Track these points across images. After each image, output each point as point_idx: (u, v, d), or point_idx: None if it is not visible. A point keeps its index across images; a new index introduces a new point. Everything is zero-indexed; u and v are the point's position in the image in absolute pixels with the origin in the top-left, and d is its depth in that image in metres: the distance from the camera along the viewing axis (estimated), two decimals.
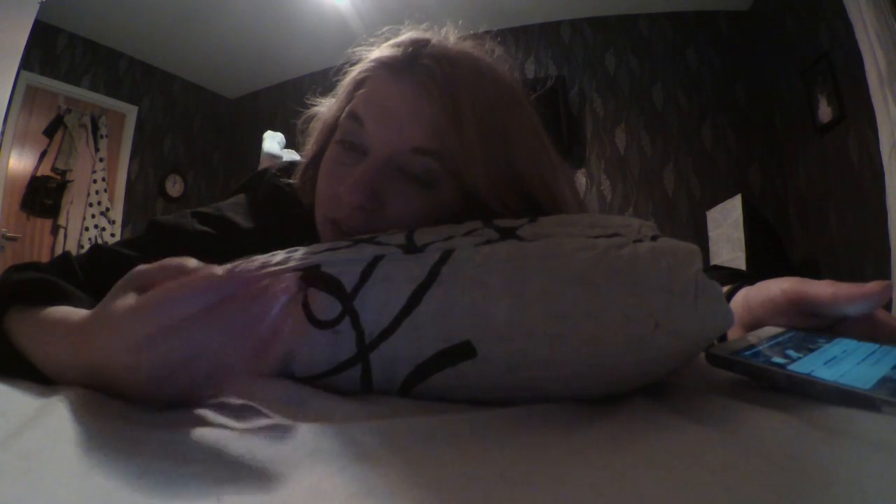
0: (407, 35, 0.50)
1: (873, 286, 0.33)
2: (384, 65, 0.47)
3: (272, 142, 2.63)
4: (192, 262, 0.30)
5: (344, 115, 0.48)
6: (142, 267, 0.30)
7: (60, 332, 0.34)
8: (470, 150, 0.44)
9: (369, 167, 0.44)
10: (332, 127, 0.52)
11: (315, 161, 0.54)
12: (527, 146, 0.49)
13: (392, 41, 0.50)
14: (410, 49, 0.47)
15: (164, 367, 0.27)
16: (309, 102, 0.59)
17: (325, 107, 0.56)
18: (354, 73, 0.51)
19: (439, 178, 0.45)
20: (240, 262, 0.41)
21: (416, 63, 0.46)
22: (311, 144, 0.55)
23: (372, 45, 0.52)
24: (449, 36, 0.51)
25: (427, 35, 0.49)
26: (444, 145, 0.44)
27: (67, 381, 0.33)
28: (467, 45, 0.49)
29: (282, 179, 0.58)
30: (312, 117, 0.58)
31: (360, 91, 0.48)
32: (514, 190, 0.46)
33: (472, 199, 0.46)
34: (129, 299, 0.28)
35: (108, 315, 0.29)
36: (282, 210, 0.56)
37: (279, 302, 0.27)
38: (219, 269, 0.27)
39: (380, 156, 0.44)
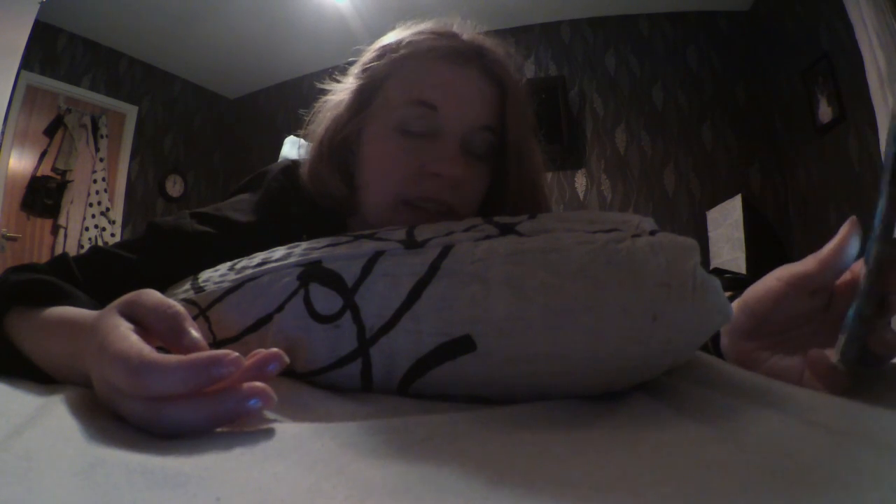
0: (439, 26, 0.54)
1: (842, 230, 0.34)
2: (440, 50, 0.51)
3: (293, 147, 2.61)
4: (183, 319, 0.28)
5: (405, 101, 0.50)
6: (142, 300, 0.29)
7: (63, 333, 0.34)
8: (520, 137, 0.53)
9: (456, 142, 0.50)
10: (360, 112, 0.53)
11: (337, 148, 0.54)
12: (535, 137, 0.57)
13: (429, 30, 0.53)
14: (462, 39, 0.52)
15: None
16: (323, 87, 0.59)
17: (342, 94, 0.56)
18: (390, 58, 0.52)
19: (492, 154, 0.53)
20: (242, 260, 0.41)
21: (476, 51, 0.52)
22: (329, 132, 0.55)
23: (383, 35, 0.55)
24: (458, 27, 0.54)
25: (464, 27, 0.54)
26: (498, 124, 0.52)
27: (70, 380, 0.33)
28: (494, 44, 0.55)
29: (285, 179, 0.58)
30: (326, 109, 0.58)
31: (413, 76, 0.51)
32: (528, 175, 0.55)
33: (506, 179, 0.54)
34: (119, 332, 0.27)
35: (100, 342, 0.27)
36: (285, 208, 0.56)
37: (246, 407, 0.25)
38: (202, 357, 0.24)
39: (458, 134, 0.50)
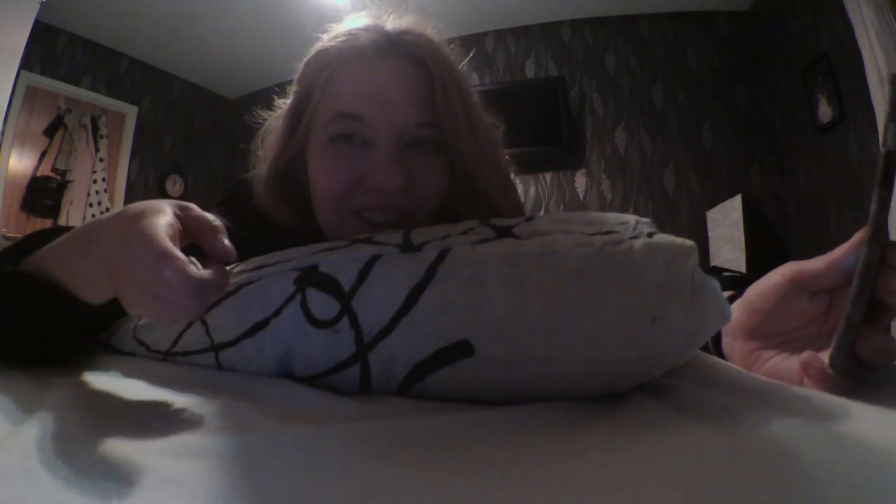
0: (362, 23, 0.51)
1: (856, 236, 0.34)
2: (358, 52, 0.48)
3: None
4: (222, 231, 0.34)
5: (330, 116, 0.48)
6: (193, 207, 0.34)
7: (78, 233, 0.36)
8: (457, 120, 0.48)
9: (389, 149, 0.47)
10: (296, 133, 0.51)
11: (281, 173, 0.53)
12: (482, 119, 0.54)
13: (345, 31, 0.50)
14: (379, 32, 0.49)
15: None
16: (258, 117, 0.58)
17: (280, 117, 0.55)
18: (315, 71, 0.50)
19: (438, 143, 0.49)
20: (239, 264, 0.41)
21: (394, 40, 0.48)
22: (272, 158, 0.54)
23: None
24: (386, 19, 0.52)
25: (374, 20, 0.51)
26: (437, 117, 0.48)
27: (90, 287, 0.34)
28: (418, 24, 0.51)
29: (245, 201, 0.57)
30: (267, 135, 0.57)
31: (337, 87, 0.48)
32: (485, 154, 0.51)
33: (459, 168, 0.50)
34: (164, 219, 0.31)
35: (141, 211, 0.31)
36: (263, 226, 0.55)
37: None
38: (211, 282, 0.29)
39: (390, 139, 0.47)
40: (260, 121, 0.59)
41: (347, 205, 0.48)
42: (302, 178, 0.53)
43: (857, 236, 0.33)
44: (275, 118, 0.56)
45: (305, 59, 0.53)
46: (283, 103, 0.56)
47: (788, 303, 0.36)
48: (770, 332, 0.38)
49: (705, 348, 0.47)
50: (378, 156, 0.46)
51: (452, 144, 0.49)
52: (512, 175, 0.58)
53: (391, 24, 0.50)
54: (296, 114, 0.52)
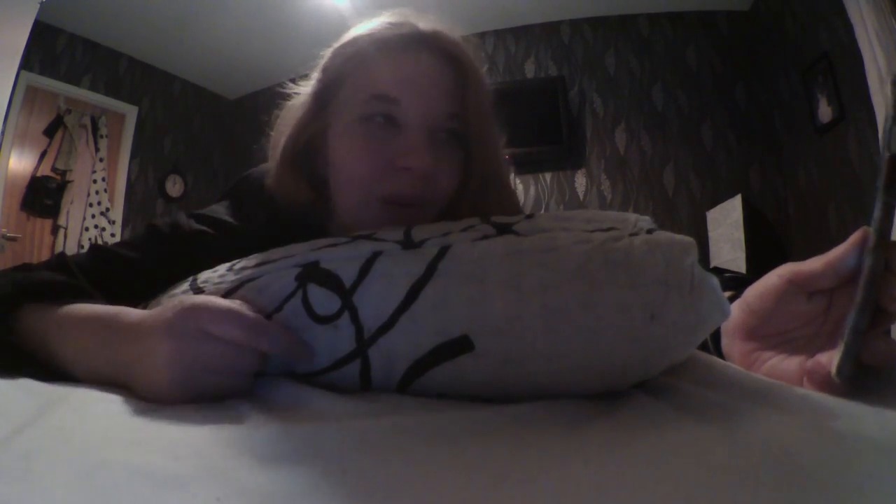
0: (396, 17, 0.52)
1: (853, 237, 0.33)
2: (395, 40, 0.50)
3: None
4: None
5: (366, 97, 0.49)
6: (214, 308, 0.33)
7: (101, 327, 0.36)
8: (481, 119, 0.51)
9: (420, 135, 0.48)
10: (323, 113, 0.52)
11: (300, 152, 0.53)
12: (493, 118, 0.56)
13: (380, 23, 0.51)
14: (414, 27, 0.50)
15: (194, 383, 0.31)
16: (288, 91, 0.58)
17: (302, 97, 0.55)
18: (348, 55, 0.51)
19: (458, 142, 0.51)
20: (241, 260, 0.41)
21: (433, 39, 0.51)
22: (290, 136, 0.54)
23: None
24: (415, 20, 0.53)
25: (418, 15, 0.52)
26: (465, 112, 0.50)
27: (93, 374, 0.35)
28: (447, 28, 0.53)
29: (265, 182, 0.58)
30: (285, 119, 0.56)
31: (372, 72, 0.49)
32: (492, 163, 0.54)
33: (474, 166, 0.52)
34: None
35: (165, 329, 0.32)
36: (270, 212, 0.55)
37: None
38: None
39: (422, 124, 0.49)
40: (280, 101, 0.59)
41: (373, 189, 0.49)
42: (319, 161, 0.53)
43: (855, 236, 0.33)
44: (291, 103, 0.56)
45: (335, 47, 0.53)
46: (296, 93, 0.56)
47: (787, 304, 0.36)
48: (769, 332, 0.38)
49: (705, 348, 0.47)
50: (410, 137, 0.48)
51: (474, 141, 0.51)
52: (512, 177, 0.59)
53: (423, 24, 0.52)
54: (323, 95, 0.52)
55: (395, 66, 0.49)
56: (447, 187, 0.51)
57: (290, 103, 0.57)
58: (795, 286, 0.35)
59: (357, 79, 0.50)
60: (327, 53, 0.54)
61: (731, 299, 0.42)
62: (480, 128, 0.51)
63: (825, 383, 0.32)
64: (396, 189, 0.48)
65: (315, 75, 0.55)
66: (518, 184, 3.13)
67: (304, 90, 0.55)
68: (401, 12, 0.53)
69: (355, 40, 0.51)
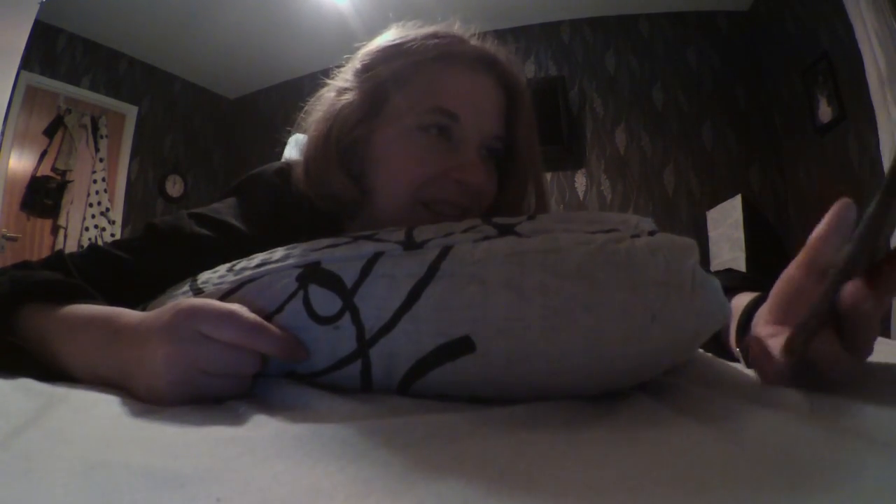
0: (447, 28, 0.54)
1: (833, 208, 0.32)
2: (456, 60, 0.52)
3: (297, 146, 2.59)
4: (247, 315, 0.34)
5: (428, 108, 0.50)
6: (211, 311, 0.33)
7: (100, 328, 0.36)
8: (529, 142, 0.55)
9: (475, 152, 0.52)
10: (377, 114, 0.52)
11: (346, 150, 0.53)
12: (538, 143, 0.59)
13: (440, 34, 0.53)
14: (477, 47, 0.53)
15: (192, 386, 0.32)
16: (326, 81, 0.57)
17: (348, 94, 0.54)
18: (411, 62, 0.51)
19: (500, 159, 0.55)
20: (241, 261, 0.41)
21: (494, 61, 0.53)
22: (338, 129, 0.53)
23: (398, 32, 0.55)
24: (473, 32, 0.56)
25: (468, 32, 0.55)
26: (512, 135, 0.54)
27: (91, 375, 0.35)
28: (502, 50, 0.56)
29: (281, 183, 0.58)
30: (322, 110, 0.56)
31: (437, 83, 0.51)
32: (535, 181, 0.58)
33: (514, 184, 0.56)
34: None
35: (163, 331, 0.32)
36: (281, 216, 0.55)
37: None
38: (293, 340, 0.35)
39: (477, 142, 0.52)
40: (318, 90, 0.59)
41: (422, 194, 0.50)
42: (357, 156, 0.53)
43: (834, 208, 0.32)
44: (327, 96, 0.56)
45: (385, 44, 0.54)
46: (348, 79, 0.55)
47: (806, 290, 0.34)
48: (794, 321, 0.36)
49: (711, 348, 0.47)
50: (469, 153, 0.51)
51: (522, 162, 0.55)
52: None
53: (474, 41, 0.54)
54: (377, 94, 0.52)
55: (457, 82, 0.51)
56: (488, 201, 0.54)
57: (324, 96, 0.56)
58: (806, 269, 0.34)
59: (419, 87, 0.51)
60: (370, 51, 0.55)
61: (759, 301, 0.41)
62: (528, 151, 0.55)
63: (771, 361, 0.31)
64: (444, 196, 0.50)
65: (356, 68, 0.54)
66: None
67: (343, 85, 0.55)
68: (446, 24, 0.55)
69: (410, 46, 0.52)
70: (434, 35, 0.53)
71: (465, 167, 0.50)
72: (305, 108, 0.59)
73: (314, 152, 0.54)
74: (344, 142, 0.53)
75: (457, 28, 0.55)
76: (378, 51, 0.54)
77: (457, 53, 0.52)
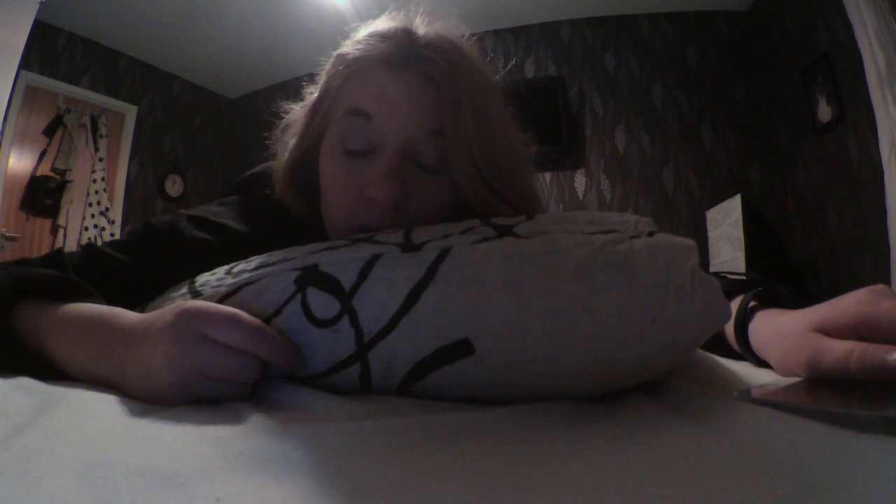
0: (389, 26, 0.50)
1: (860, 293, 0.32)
2: (378, 58, 0.48)
3: None
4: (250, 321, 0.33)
5: (343, 112, 0.48)
6: (214, 313, 0.32)
7: (97, 327, 0.35)
8: (467, 135, 0.46)
9: (390, 159, 0.46)
10: (315, 127, 0.51)
11: (297, 164, 0.53)
12: (504, 132, 0.51)
13: (374, 34, 0.50)
14: (403, 41, 0.48)
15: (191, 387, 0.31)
16: (285, 108, 0.57)
17: (299, 112, 0.55)
18: (338, 70, 0.50)
19: (445, 162, 0.47)
20: (239, 263, 0.41)
21: (413, 54, 0.48)
22: (291, 149, 0.54)
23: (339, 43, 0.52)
24: (418, 22, 0.51)
25: (405, 24, 0.51)
26: (447, 128, 0.46)
27: (87, 374, 0.35)
28: (446, 32, 0.51)
29: (266, 191, 0.57)
30: (288, 126, 0.57)
31: (354, 87, 0.48)
32: (497, 177, 0.48)
33: (460, 187, 0.48)
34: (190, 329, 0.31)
35: (165, 331, 0.31)
36: (280, 210, 0.55)
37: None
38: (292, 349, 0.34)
39: (397, 146, 0.46)
40: (282, 112, 0.58)
41: (350, 220, 0.48)
42: (315, 171, 0.53)
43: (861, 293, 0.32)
44: (300, 108, 0.56)
45: (338, 52, 0.52)
46: (310, 93, 0.56)
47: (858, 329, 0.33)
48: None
49: (713, 349, 0.46)
50: (378, 165, 0.46)
51: (453, 158, 0.47)
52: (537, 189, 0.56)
53: (421, 29, 0.50)
54: (318, 105, 0.52)
55: (374, 81, 0.48)
56: (424, 215, 0.47)
57: (291, 113, 0.57)
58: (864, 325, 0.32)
59: (344, 93, 0.49)
60: (329, 60, 0.53)
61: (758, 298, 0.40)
62: (461, 148, 0.46)
63: (876, 366, 0.30)
64: (367, 221, 0.46)
65: (319, 81, 0.54)
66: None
67: (309, 98, 0.55)
68: (401, 16, 0.52)
69: (341, 55, 0.51)
70: (372, 35, 0.50)
71: (372, 182, 0.45)
72: (279, 125, 0.58)
73: (278, 167, 0.55)
74: (296, 157, 0.53)
75: (418, 22, 0.51)
76: (331, 60, 0.53)
77: (378, 54, 0.48)
